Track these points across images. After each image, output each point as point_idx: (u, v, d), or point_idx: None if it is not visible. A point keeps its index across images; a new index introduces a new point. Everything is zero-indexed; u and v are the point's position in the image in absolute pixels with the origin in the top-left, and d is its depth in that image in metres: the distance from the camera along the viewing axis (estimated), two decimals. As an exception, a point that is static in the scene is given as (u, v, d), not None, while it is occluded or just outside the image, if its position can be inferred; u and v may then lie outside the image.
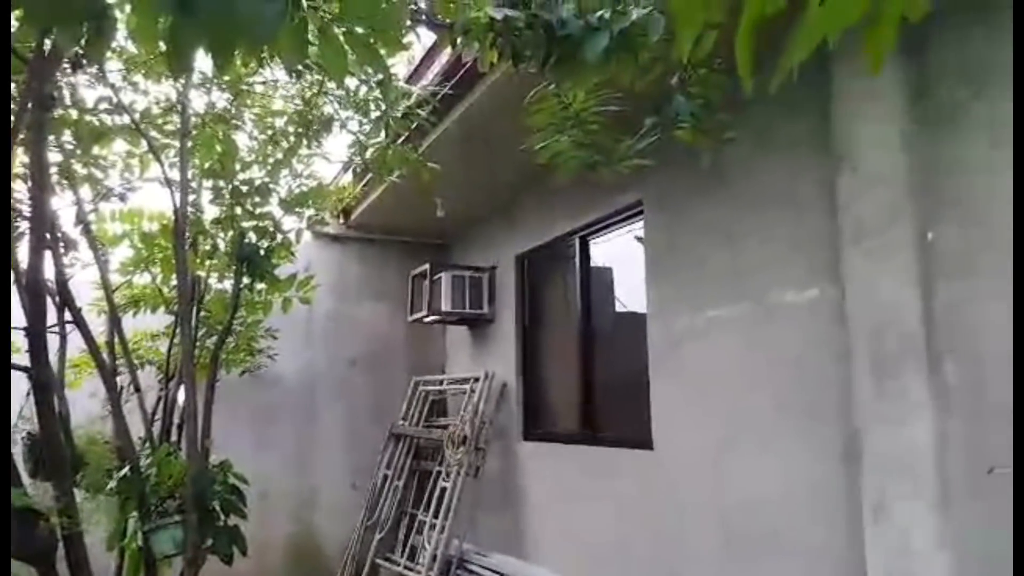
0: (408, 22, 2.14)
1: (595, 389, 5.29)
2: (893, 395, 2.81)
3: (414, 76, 4.53)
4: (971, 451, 2.66)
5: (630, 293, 5.00)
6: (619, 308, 5.49)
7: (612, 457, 4.83)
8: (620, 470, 4.73)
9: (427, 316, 6.50)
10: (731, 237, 3.88)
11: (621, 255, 5.21)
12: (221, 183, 4.17)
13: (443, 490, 5.83)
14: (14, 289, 2.94)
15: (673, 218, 4.35)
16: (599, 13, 1.80)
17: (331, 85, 3.81)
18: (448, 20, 2.09)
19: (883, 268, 2.88)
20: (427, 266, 6.51)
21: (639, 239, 4.77)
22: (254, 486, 4.29)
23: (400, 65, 4.84)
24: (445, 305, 6.35)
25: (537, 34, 1.87)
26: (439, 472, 6.11)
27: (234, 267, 4.30)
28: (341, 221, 7.21)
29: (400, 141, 4.01)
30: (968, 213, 2.71)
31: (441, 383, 6.95)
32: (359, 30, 1.52)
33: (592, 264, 5.52)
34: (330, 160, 4.68)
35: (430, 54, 4.33)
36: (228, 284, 4.68)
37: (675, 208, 4.33)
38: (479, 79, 3.94)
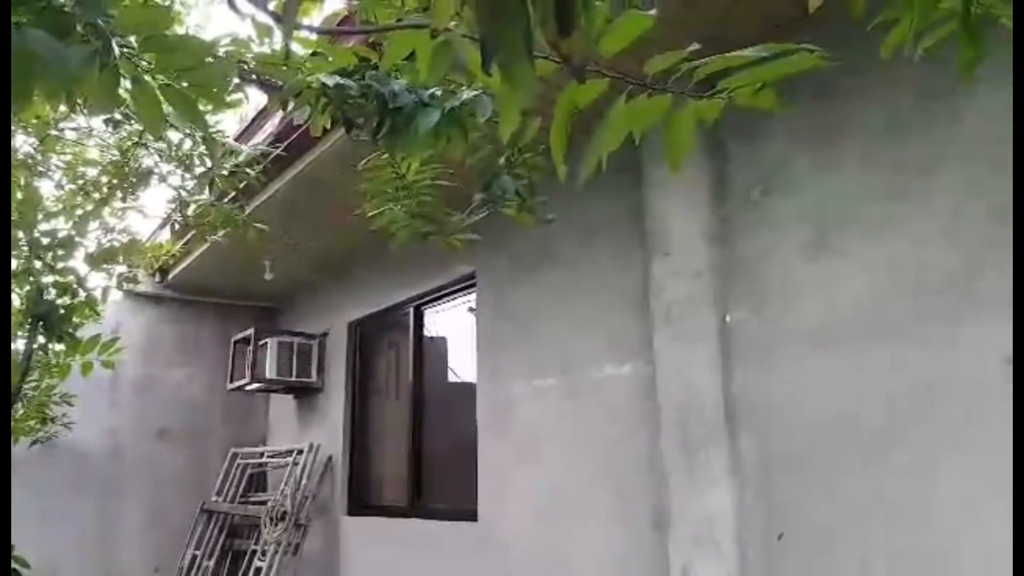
0: (236, 80, 2.07)
1: (424, 461, 5.19)
2: (697, 468, 3.01)
3: (245, 134, 4.38)
4: (764, 519, 2.89)
5: (463, 364, 5.03)
6: (452, 379, 5.49)
7: (438, 530, 4.72)
8: (445, 543, 4.62)
9: (249, 384, 6.10)
10: (557, 312, 4.05)
11: (456, 326, 5.25)
12: (19, 233, 3.72)
13: (258, 570, 5.37)
14: None
15: (504, 291, 4.48)
16: (431, 90, 1.85)
17: (152, 137, 3.58)
18: (279, 82, 2.06)
19: (689, 350, 3.12)
20: (252, 331, 6.16)
21: (472, 310, 4.84)
22: (40, 573, 3.69)
23: (231, 122, 4.66)
24: (270, 372, 6.01)
25: (370, 104, 1.88)
26: (255, 551, 5.63)
27: (28, 325, 3.80)
28: (157, 280, 6.67)
29: (227, 200, 3.82)
30: (762, 302, 3.03)
31: (261, 455, 6.50)
32: (179, 84, 1.45)
33: (427, 334, 5.50)
34: (147, 215, 4.35)
35: (263, 113, 4.23)
36: (21, 344, 4.12)
37: (506, 282, 4.46)
38: (313, 142, 3.89)
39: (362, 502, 5.73)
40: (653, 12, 1.05)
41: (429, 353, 5.49)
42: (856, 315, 2.70)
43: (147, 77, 1.35)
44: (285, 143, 3.86)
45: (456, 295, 5.13)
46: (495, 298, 4.57)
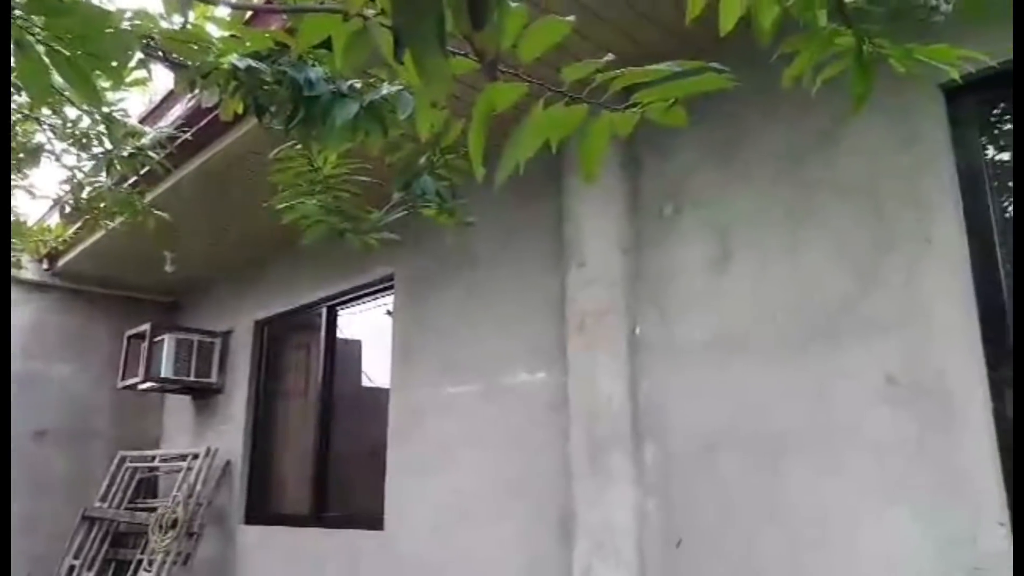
0: (140, 56, 1.96)
1: (330, 468, 5.05)
2: (602, 475, 3.06)
3: (152, 116, 4.16)
4: (662, 525, 2.96)
5: (378, 367, 4.93)
6: (365, 383, 5.37)
7: (342, 540, 4.60)
8: (349, 553, 4.50)
9: (143, 382, 5.77)
10: (474, 318, 4.04)
11: (371, 328, 5.15)
12: None
13: (142, 583, 5.07)
14: None
15: (422, 294, 4.43)
16: (350, 82, 1.81)
17: (47, 112, 3.35)
18: (188, 61, 1.96)
19: (600, 358, 3.17)
20: (148, 326, 5.83)
21: (389, 313, 4.76)
22: None
23: (138, 102, 4.43)
24: (166, 371, 5.70)
25: (284, 91, 1.82)
26: (141, 561, 5.31)
27: None
28: (44, 267, 6.23)
29: (127, 184, 3.61)
30: (669, 314, 3.12)
31: (153, 459, 6.15)
32: (70, 52, 1.35)
33: (340, 335, 5.37)
34: (35, 195, 4.05)
35: (172, 96, 4.03)
36: None
37: (425, 285, 4.41)
38: (224, 129, 3.74)
39: (262, 510, 5.52)
40: (571, 19, 1.06)
41: (341, 356, 5.35)
42: (754, 330, 2.82)
43: (33, 41, 1.25)
44: (194, 128, 3.69)
45: (372, 296, 5.04)
46: (412, 301, 4.51)
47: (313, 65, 1.81)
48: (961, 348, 2.31)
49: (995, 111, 2.54)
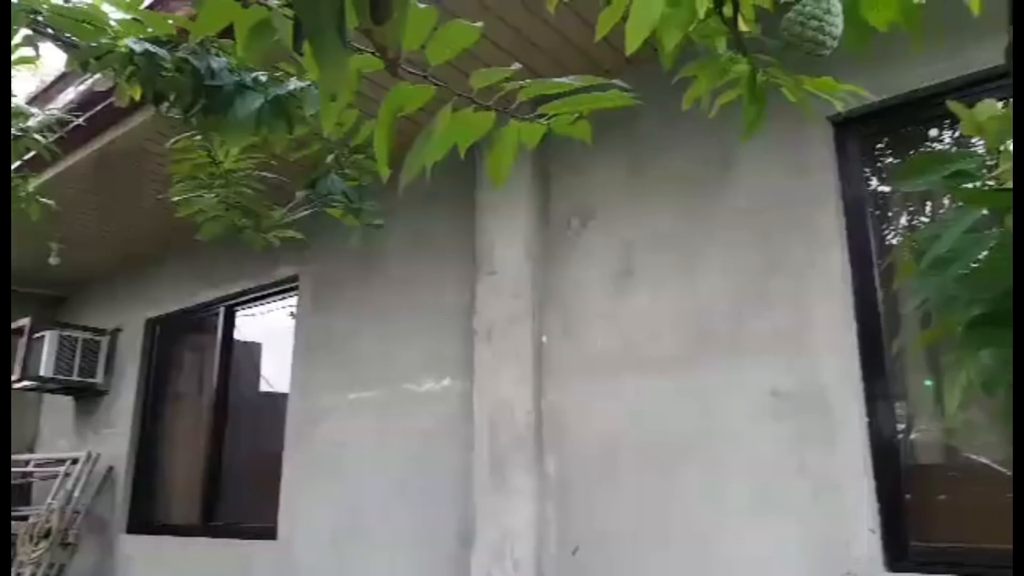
0: (26, 31, 1.83)
1: (223, 476, 4.83)
2: (504, 484, 3.07)
3: (42, 97, 3.89)
4: (561, 535, 3.00)
5: (279, 372, 4.77)
6: (265, 387, 5.19)
7: (233, 550, 4.41)
8: (241, 564, 4.32)
9: (18, 381, 5.36)
10: (381, 323, 3.98)
11: (273, 331, 4.98)
12: None
13: (7, 599, 4.68)
14: None
15: (327, 298, 4.33)
16: (256, 74, 1.75)
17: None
18: (81, 41, 1.85)
19: (505, 368, 3.20)
20: (27, 321, 5.43)
21: (293, 315, 4.62)
22: None
23: (27, 81, 4.13)
24: (45, 370, 5.32)
25: (184, 79, 1.75)
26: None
27: None
28: (-90, 253, 5.69)
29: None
30: (573, 326, 3.18)
31: (27, 464, 5.71)
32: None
33: (238, 337, 5.16)
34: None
35: (65, 78, 3.79)
36: None
37: (330, 288, 4.32)
38: (120, 116, 3.55)
39: (146, 519, 5.22)
40: (479, 25, 1.07)
41: (239, 358, 5.15)
42: (652, 343, 2.91)
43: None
44: (88, 113, 3.48)
45: (275, 297, 4.88)
46: (317, 304, 4.40)
47: (217, 54, 1.75)
48: (840, 365, 2.46)
49: (879, 145, 2.75)
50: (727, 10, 1.37)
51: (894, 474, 2.39)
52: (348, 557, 3.77)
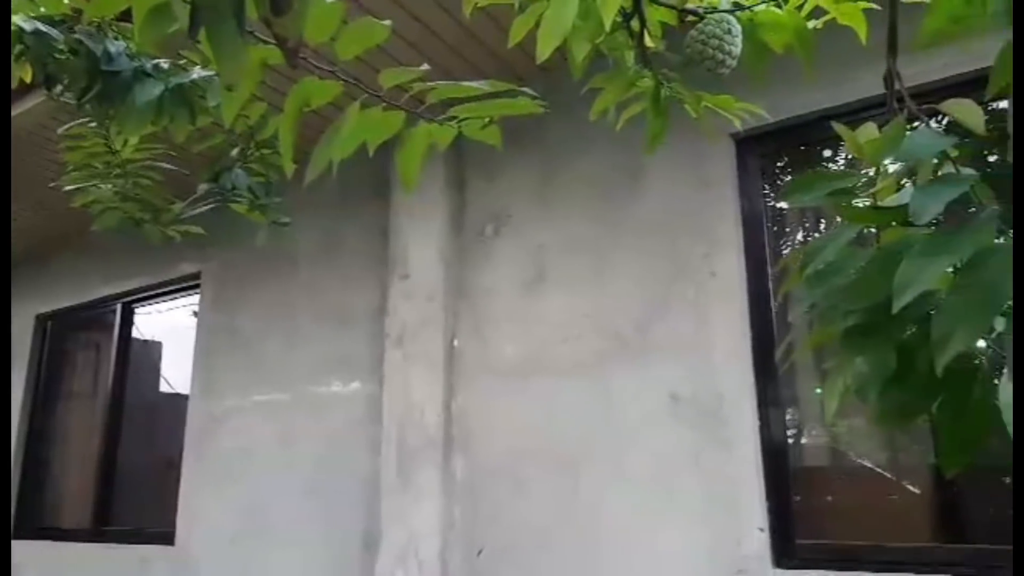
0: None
1: (118, 478, 4.58)
2: (411, 487, 3.05)
3: (-83, 72, 3.59)
4: (467, 536, 3.01)
5: (182, 372, 4.56)
6: (165, 388, 4.95)
7: (128, 555, 4.18)
8: (136, 570, 4.10)
9: None
10: (289, 324, 3.87)
11: (174, 329, 4.76)
12: None
13: None
14: None
15: (232, 296, 4.18)
16: (156, 61, 1.68)
17: None
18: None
19: (416, 371, 3.18)
20: None
21: (195, 314, 4.43)
22: None
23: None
24: (-84, 367, 4.89)
25: (79, 62, 1.66)
26: None
27: None
28: None
29: None
30: (485, 331, 3.20)
31: None
32: None
33: (136, 336, 4.91)
34: None
35: (-55, 52, 3.51)
36: None
37: (236, 286, 4.17)
38: (12, 97, 3.32)
39: (33, 523, 4.88)
40: (388, 23, 1.07)
41: (137, 358, 4.90)
42: (560, 349, 2.97)
43: None
44: (-29, 92, 3.23)
45: (177, 295, 4.67)
46: (221, 302, 4.24)
47: (116, 38, 1.66)
48: (736, 370, 2.58)
49: (779, 163, 2.90)
50: (634, 25, 1.42)
51: (783, 476, 2.52)
52: (249, 560, 3.65)
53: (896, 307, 0.78)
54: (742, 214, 2.72)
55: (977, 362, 0.86)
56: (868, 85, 2.42)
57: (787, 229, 2.98)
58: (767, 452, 2.53)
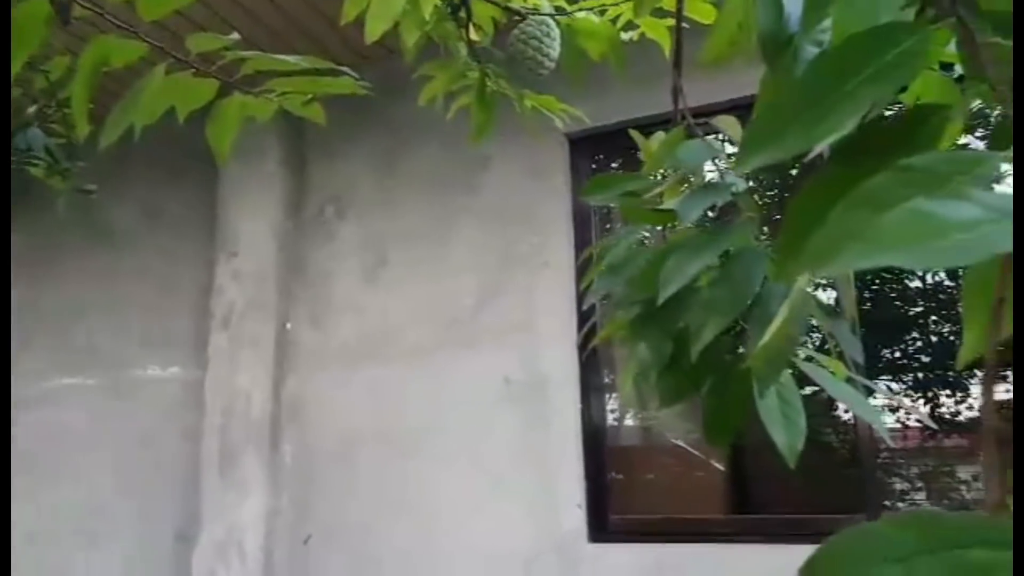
0: None
1: None
2: (234, 476, 2.92)
3: None
4: (294, 525, 2.93)
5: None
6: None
7: None
8: None
9: None
10: (101, 301, 3.56)
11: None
12: None
13: None
14: None
15: (38, 271, 3.77)
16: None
17: None
18: None
19: (243, 355, 3.04)
20: None
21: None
22: None
23: None
24: None
25: None
26: None
27: None
28: None
29: None
30: (320, 314, 3.12)
31: None
32: None
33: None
34: None
35: None
36: None
37: (44, 260, 3.77)
38: None
39: None
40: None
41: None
42: (397, 335, 2.97)
43: None
44: None
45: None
46: (21, 277, 3.80)
47: None
48: (561, 355, 2.70)
49: (612, 164, 3.07)
50: (462, 16, 1.44)
51: (600, 456, 2.68)
52: (48, 559, 3.32)
53: (661, 298, 0.86)
54: (573, 209, 2.84)
55: (737, 352, 0.96)
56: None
57: (617, 225, 3.16)
58: (587, 433, 2.68)
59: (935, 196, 0.43)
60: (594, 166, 2.99)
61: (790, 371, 0.91)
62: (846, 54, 0.52)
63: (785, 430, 0.88)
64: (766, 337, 0.71)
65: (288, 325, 3.12)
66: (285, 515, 2.95)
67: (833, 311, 0.82)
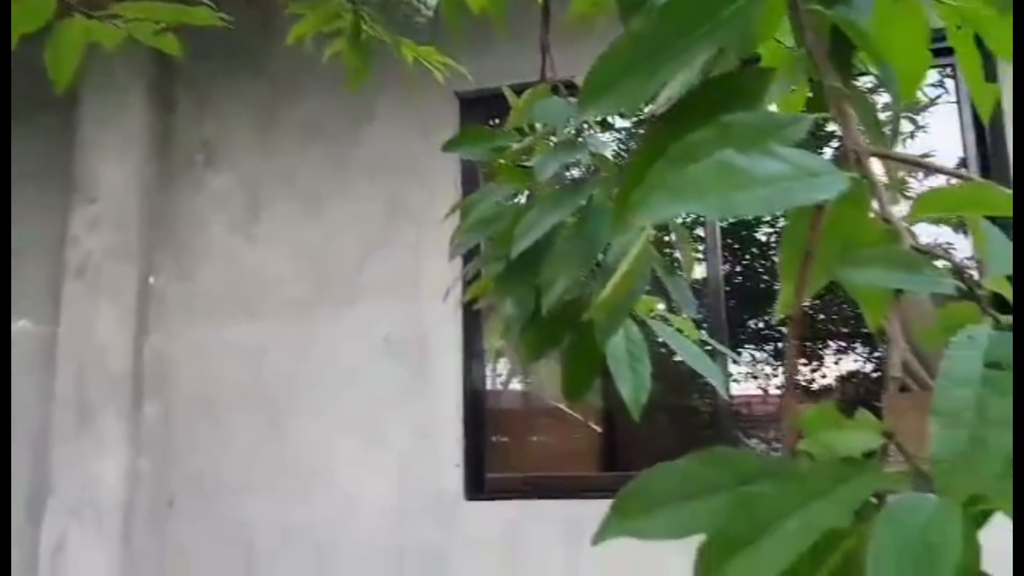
0: None
1: None
2: (90, 436, 2.74)
3: None
4: (156, 486, 2.79)
5: None
6: None
7: None
8: None
9: None
10: (-64, 246, 3.20)
11: None
12: None
13: None
14: None
15: None
16: None
17: None
18: None
19: (101, 308, 2.83)
20: None
21: None
22: None
23: None
24: None
25: None
26: None
27: None
28: None
29: None
30: (189, 267, 2.94)
31: None
32: None
33: None
34: None
35: None
36: None
37: None
38: None
39: None
40: None
41: None
42: (273, 289, 2.85)
43: None
44: None
45: None
46: None
47: None
48: (443, 315, 2.69)
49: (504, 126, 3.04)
50: (337, -46, 1.37)
51: (479, 417, 2.71)
52: None
53: (514, 252, 0.86)
54: (463, 167, 2.81)
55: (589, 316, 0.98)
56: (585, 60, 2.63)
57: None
58: (467, 394, 2.69)
59: (745, 151, 0.45)
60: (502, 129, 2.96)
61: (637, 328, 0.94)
62: (681, 11, 0.52)
63: (631, 382, 0.90)
64: (607, 290, 0.72)
65: (152, 278, 2.93)
66: (147, 477, 2.80)
67: (673, 268, 0.84)
